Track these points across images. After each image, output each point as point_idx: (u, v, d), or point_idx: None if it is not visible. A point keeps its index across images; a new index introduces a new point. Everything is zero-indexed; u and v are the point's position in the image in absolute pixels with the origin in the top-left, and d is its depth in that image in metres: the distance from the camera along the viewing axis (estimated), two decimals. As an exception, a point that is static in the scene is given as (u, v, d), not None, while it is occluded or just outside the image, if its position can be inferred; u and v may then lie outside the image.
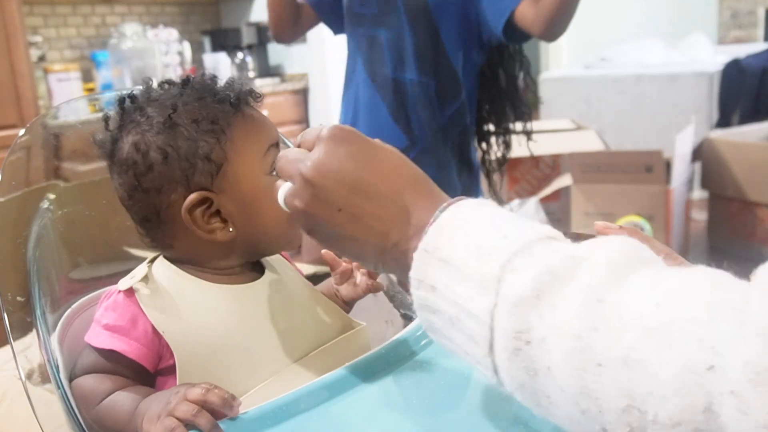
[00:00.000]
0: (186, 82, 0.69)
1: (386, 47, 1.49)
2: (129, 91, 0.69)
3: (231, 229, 0.67)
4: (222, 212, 0.66)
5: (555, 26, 1.37)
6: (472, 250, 0.44)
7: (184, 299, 0.66)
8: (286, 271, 0.75)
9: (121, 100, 0.68)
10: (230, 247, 0.68)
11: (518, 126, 1.71)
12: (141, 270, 0.67)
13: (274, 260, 0.75)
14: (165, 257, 0.71)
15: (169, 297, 0.66)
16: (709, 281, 0.39)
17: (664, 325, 0.37)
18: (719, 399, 0.34)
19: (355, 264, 0.78)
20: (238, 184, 0.66)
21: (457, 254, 0.45)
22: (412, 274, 0.47)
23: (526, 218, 0.47)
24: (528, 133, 1.71)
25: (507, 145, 1.71)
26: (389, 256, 0.50)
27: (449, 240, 0.46)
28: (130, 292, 0.65)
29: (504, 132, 1.70)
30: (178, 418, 0.55)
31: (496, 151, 1.72)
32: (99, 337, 0.65)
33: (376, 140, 0.52)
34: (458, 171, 1.59)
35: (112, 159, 0.68)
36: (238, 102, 0.68)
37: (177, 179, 0.65)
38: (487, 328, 0.42)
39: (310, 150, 0.52)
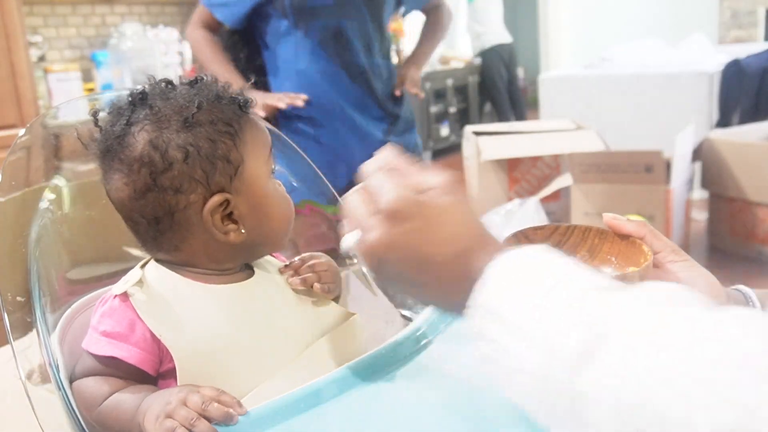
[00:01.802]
0: (194, 82, 0.68)
1: (352, 36, 1.53)
2: (137, 88, 0.67)
3: (243, 231, 0.67)
4: (234, 214, 0.66)
5: None
6: (523, 307, 0.45)
7: (181, 302, 0.66)
8: (276, 267, 0.75)
9: (130, 96, 0.66)
10: (238, 248, 0.68)
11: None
12: (135, 274, 0.67)
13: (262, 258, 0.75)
14: (157, 260, 0.70)
15: (164, 301, 0.65)
16: (738, 330, 0.39)
17: (695, 383, 0.37)
18: None
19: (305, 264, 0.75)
20: (251, 186, 0.67)
21: (509, 310, 0.45)
22: (473, 328, 0.49)
23: (571, 265, 0.47)
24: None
25: None
26: (457, 309, 0.51)
27: (500, 295, 0.46)
28: (125, 297, 0.65)
29: None
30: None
31: None
32: (98, 345, 0.64)
33: (440, 199, 0.52)
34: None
35: (116, 156, 0.65)
36: (246, 105, 0.68)
37: (198, 179, 0.64)
38: (539, 384, 0.44)
39: (374, 197, 0.53)
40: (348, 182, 1.58)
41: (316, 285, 0.72)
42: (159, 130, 0.64)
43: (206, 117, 0.65)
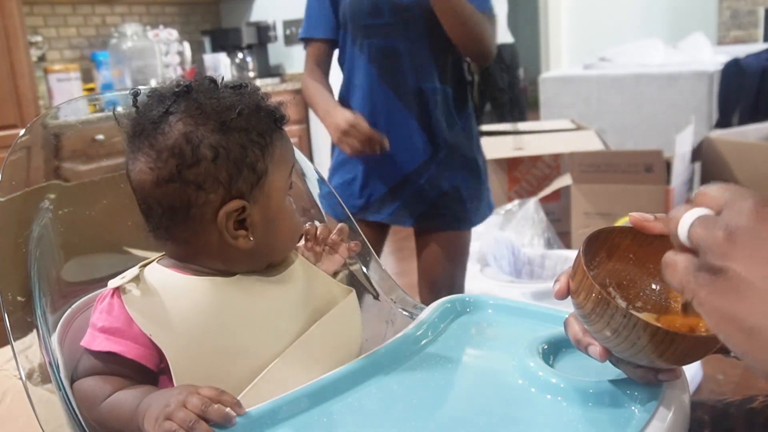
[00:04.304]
0: (238, 87, 0.69)
1: (404, 57, 1.47)
2: (183, 81, 0.68)
3: (251, 239, 0.68)
4: (247, 221, 0.67)
5: (466, 47, 1.46)
6: None
7: (174, 299, 0.66)
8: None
9: (176, 87, 0.68)
10: (242, 255, 0.69)
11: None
12: (132, 271, 0.67)
13: None
14: (162, 259, 0.70)
15: (158, 298, 0.66)
16: None
17: None
18: None
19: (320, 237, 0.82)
20: (268, 198, 0.69)
21: None
22: None
23: None
24: None
25: None
26: None
27: None
28: (119, 293, 0.66)
29: None
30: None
31: None
32: (96, 341, 0.65)
33: None
34: (484, 172, 1.61)
35: (148, 140, 0.66)
36: (281, 120, 0.70)
37: (221, 180, 0.66)
38: None
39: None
40: (365, 203, 1.54)
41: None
42: (196, 125, 0.65)
43: (243, 123, 0.66)
